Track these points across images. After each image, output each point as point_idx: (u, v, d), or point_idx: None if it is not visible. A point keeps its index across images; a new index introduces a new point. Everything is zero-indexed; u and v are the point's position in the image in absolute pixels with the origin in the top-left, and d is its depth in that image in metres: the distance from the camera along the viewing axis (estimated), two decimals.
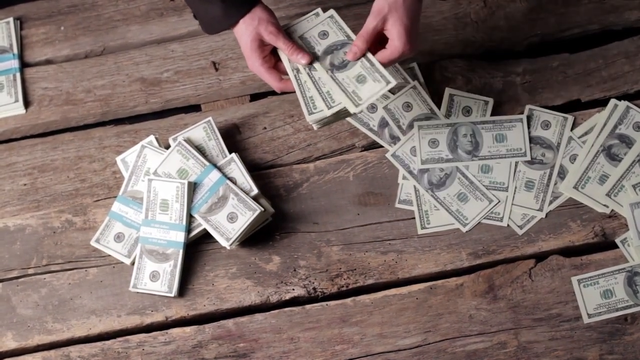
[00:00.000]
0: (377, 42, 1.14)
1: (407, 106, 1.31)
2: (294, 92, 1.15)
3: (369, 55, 1.12)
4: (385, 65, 1.12)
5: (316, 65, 1.14)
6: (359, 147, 1.33)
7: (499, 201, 1.25)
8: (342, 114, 1.15)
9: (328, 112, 1.12)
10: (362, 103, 1.10)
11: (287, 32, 1.16)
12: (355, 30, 1.14)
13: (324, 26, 1.17)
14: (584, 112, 1.31)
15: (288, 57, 1.14)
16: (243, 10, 1.13)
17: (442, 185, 1.27)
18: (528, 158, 1.27)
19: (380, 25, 1.11)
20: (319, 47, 1.15)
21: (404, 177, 1.28)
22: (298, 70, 1.14)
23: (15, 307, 1.26)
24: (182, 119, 1.37)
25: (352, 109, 1.11)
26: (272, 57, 1.17)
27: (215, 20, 1.15)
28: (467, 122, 1.29)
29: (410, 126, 1.30)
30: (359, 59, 1.12)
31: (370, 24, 1.11)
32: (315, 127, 1.16)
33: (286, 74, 1.16)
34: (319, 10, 1.18)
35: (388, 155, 1.29)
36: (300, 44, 1.15)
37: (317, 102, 1.13)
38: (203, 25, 1.18)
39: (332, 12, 1.17)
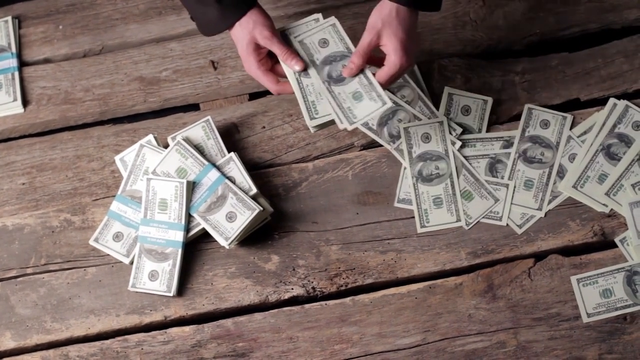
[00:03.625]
0: (378, 60, 1.13)
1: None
2: (291, 94, 1.14)
3: (367, 72, 1.11)
4: (386, 83, 1.10)
5: (311, 72, 1.13)
6: (358, 146, 1.32)
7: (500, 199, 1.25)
8: None
9: (330, 118, 1.12)
10: (357, 121, 1.09)
11: (283, 35, 1.16)
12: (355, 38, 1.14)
13: (324, 34, 1.15)
14: (583, 111, 1.31)
15: (282, 62, 1.14)
16: (239, 14, 1.12)
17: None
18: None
19: (375, 41, 1.10)
20: (318, 55, 1.14)
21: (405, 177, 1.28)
22: (300, 74, 1.14)
23: (13, 306, 1.26)
24: (181, 118, 1.37)
25: (344, 126, 1.09)
26: (268, 60, 1.16)
27: (212, 23, 1.15)
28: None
29: None
30: (355, 75, 1.11)
31: (365, 39, 1.10)
32: (312, 130, 1.16)
33: (283, 76, 1.16)
34: (319, 16, 1.18)
35: (391, 149, 1.28)
36: (298, 48, 1.14)
37: (319, 106, 1.12)
38: (200, 27, 1.18)
39: (333, 19, 1.16)
